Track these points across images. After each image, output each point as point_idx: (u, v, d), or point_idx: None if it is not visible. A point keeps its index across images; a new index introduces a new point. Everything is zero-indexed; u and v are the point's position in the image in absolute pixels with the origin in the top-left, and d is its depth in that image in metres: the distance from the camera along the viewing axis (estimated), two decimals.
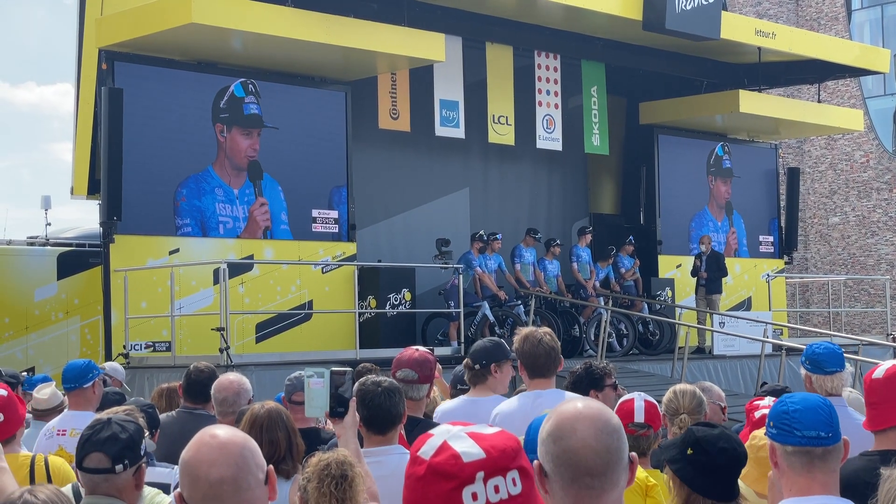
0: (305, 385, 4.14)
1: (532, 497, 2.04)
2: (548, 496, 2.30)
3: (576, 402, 2.31)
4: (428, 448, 2.03)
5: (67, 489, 3.61)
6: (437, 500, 1.98)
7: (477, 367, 5.69)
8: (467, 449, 2.00)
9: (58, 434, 6.13)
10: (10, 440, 4.80)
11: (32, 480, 4.69)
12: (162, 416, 6.10)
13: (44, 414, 6.88)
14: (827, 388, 5.11)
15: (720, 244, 21.56)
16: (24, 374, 10.23)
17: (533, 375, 5.29)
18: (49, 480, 4.65)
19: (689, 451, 3.37)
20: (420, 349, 5.39)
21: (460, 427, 2.06)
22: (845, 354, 5.73)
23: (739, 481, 4.14)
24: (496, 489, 1.99)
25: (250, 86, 15.63)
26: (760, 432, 4.11)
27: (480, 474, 1.98)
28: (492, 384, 5.72)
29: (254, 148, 15.65)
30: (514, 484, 2.01)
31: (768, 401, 4.58)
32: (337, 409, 4.09)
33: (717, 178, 22.16)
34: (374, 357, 11.74)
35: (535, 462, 2.30)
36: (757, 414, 4.66)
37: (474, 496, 1.97)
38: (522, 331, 5.36)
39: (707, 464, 3.35)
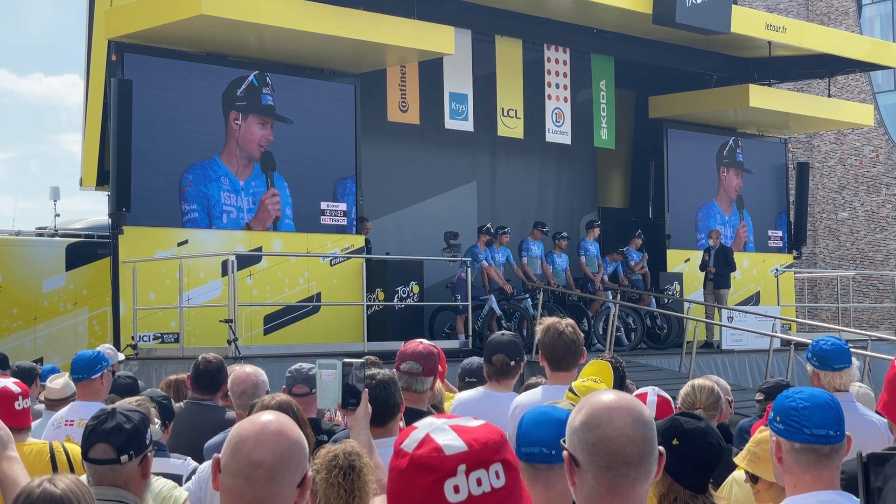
0: (317, 377, 4.15)
1: (516, 490, 2.02)
2: (575, 488, 2.30)
3: (608, 393, 2.34)
4: (411, 441, 2.01)
5: (83, 479, 3.61)
6: (418, 492, 1.96)
7: (512, 363, 5.75)
8: (449, 441, 1.98)
9: (66, 424, 6.15)
10: (22, 430, 4.83)
11: (55, 468, 4.69)
12: None
13: (56, 404, 6.91)
14: (835, 385, 5.06)
15: (728, 237, 21.54)
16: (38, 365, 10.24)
17: (554, 368, 5.28)
18: (71, 468, 4.65)
19: (675, 442, 3.36)
20: (424, 342, 5.41)
21: (444, 420, 2.05)
22: (853, 350, 5.70)
23: (740, 478, 4.13)
24: (478, 482, 1.97)
25: (267, 78, 15.65)
26: None
27: (462, 467, 1.96)
28: (513, 381, 5.78)
29: (267, 139, 15.68)
30: (498, 477, 1.99)
31: None
32: (349, 400, 4.09)
33: (730, 169, 22.13)
34: (382, 350, 11.76)
35: (565, 452, 2.30)
36: None
37: (456, 489, 1.95)
38: (545, 321, 5.36)
39: (694, 457, 3.35)
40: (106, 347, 9.71)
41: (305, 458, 2.45)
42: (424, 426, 2.03)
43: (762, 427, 4.18)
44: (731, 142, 22.07)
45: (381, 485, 3.87)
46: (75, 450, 4.50)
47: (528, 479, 2.93)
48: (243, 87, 15.45)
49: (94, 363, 6.32)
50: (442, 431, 2.01)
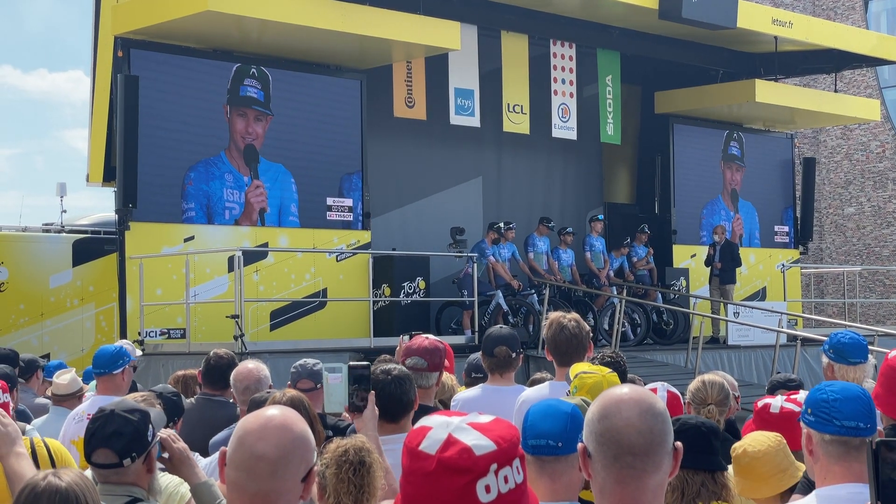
0: (323, 380, 4.14)
1: (527, 482, 2.06)
2: (591, 479, 2.32)
3: (622, 387, 2.36)
4: (431, 442, 2.00)
5: (88, 473, 3.62)
6: (450, 495, 1.95)
7: (514, 354, 5.81)
8: (477, 441, 1.98)
9: (87, 418, 6.14)
10: None
11: (36, 464, 4.68)
12: None
13: (63, 399, 6.90)
14: (849, 379, 5.04)
15: (730, 233, 21.52)
16: (44, 359, 10.23)
17: (559, 363, 5.29)
18: (52, 463, 4.64)
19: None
20: (429, 337, 5.42)
21: (458, 418, 2.04)
22: None
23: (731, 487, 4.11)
24: (506, 479, 1.98)
25: (253, 70, 15.56)
26: (743, 442, 4.05)
27: (494, 466, 1.97)
28: (513, 373, 5.80)
29: (248, 131, 15.54)
30: (518, 472, 2.01)
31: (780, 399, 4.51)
32: (356, 403, 4.08)
33: (727, 163, 22.11)
34: (388, 345, 11.76)
35: (580, 444, 2.32)
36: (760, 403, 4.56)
37: (487, 489, 1.96)
38: (551, 316, 5.38)
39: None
40: (123, 343, 9.72)
41: (310, 453, 2.44)
42: (441, 426, 2.02)
43: (735, 446, 4.08)
44: (724, 134, 22.00)
45: (392, 489, 3.85)
46: (56, 445, 4.49)
47: (534, 471, 2.94)
48: (230, 79, 15.37)
49: (116, 358, 6.28)
50: (464, 431, 2.00)
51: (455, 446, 1.97)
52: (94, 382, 6.89)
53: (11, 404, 4.98)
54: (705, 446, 3.50)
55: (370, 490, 3.63)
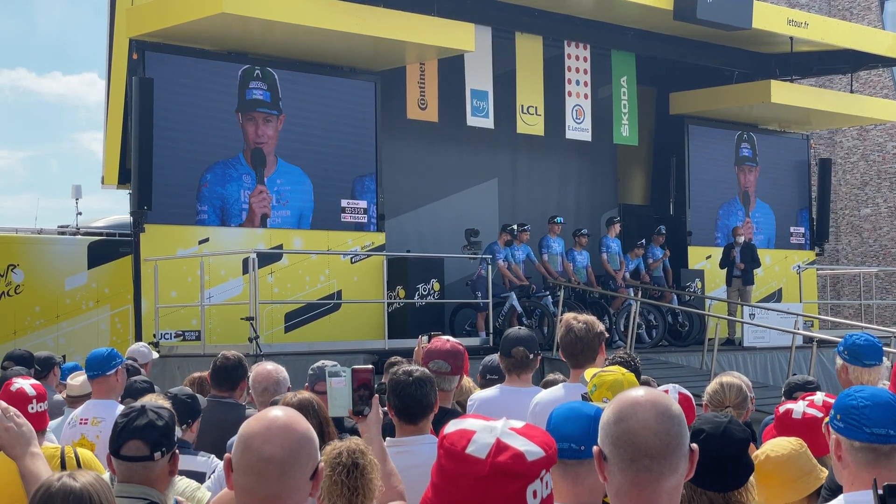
0: (327, 384, 4.10)
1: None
2: (607, 483, 2.31)
3: (637, 389, 2.37)
4: (479, 446, 2.02)
5: (106, 476, 3.62)
6: (501, 499, 1.99)
7: (531, 355, 5.82)
8: (527, 447, 2.02)
9: (80, 423, 6.16)
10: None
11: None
12: None
13: (77, 401, 6.92)
14: (863, 381, 5.00)
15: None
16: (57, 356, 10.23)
17: (572, 365, 5.28)
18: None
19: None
20: (451, 340, 5.41)
21: (499, 423, 2.07)
22: None
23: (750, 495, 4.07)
24: (547, 485, 2.04)
25: (257, 71, 15.54)
26: (765, 448, 4.01)
27: (543, 471, 2.02)
28: (531, 374, 5.81)
29: (258, 133, 15.53)
30: (553, 478, 2.08)
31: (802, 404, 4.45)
32: (360, 407, 4.06)
33: (738, 166, 22.03)
34: (403, 347, 11.76)
35: (595, 448, 2.32)
36: (782, 408, 4.50)
37: (535, 494, 2.01)
38: (564, 318, 5.36)
39: (706, 458, 3.26)
40: (140, 345, 9.75)
41: (316, 451, 2.45)
42: (484, 430, 2.04)
43: (755, 453, 4.04)
44: (736, 136, 21.92)
45: (396, 492, 3.83)
46: (87, 455, 4.47)
47: (557, 474, 2.93)
48: (237, 84, 15.38)
49: (108, 360, 6.32)
50: (510, 436, 2.04)
51: (507, 451, 2.01)
52: None
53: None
54: (721, 470, 3.41)
55: (364, 492, 3.60)
